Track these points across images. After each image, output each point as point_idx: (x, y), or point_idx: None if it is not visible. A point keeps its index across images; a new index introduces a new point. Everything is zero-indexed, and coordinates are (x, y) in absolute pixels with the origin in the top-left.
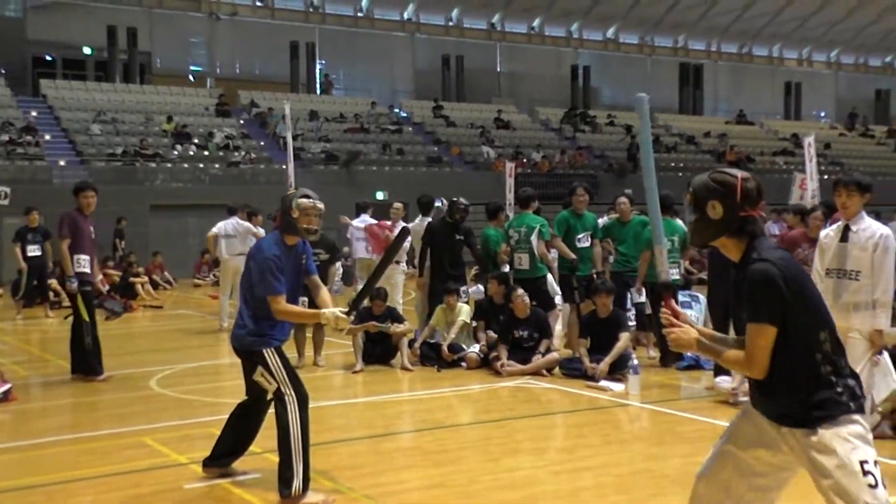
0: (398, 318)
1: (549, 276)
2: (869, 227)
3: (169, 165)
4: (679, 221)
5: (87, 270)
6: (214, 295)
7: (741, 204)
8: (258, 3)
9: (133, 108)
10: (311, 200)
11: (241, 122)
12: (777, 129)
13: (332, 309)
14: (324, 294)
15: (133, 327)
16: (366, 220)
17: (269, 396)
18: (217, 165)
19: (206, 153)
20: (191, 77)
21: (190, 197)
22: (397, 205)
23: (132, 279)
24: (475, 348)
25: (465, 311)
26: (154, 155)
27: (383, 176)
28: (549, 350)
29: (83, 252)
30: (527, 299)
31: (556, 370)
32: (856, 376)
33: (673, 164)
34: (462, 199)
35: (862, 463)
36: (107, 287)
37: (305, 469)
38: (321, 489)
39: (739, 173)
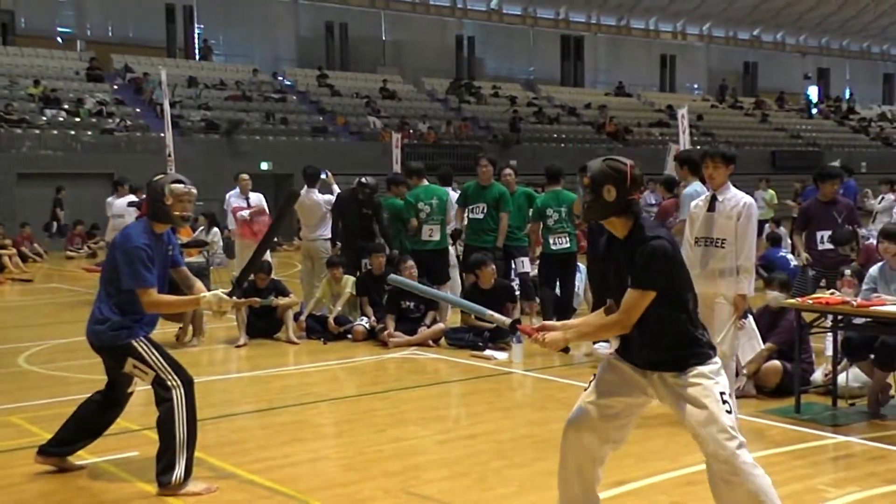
0: (283, 291)
1: (451, 249)
2: (734, 196)
3: (37, 132)
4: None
5: None
6: (89, 268)
7: (630, 188)
8: None
9: None
10: (184, 186)
11: (115, 87)
12: (653, 101)
13: (213, 291)
14: (197, 284)
15: (0, 302)
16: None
17: (137, 387)
18: (90, 132)
19: (77, 119)
20: (59, 39)
21: (61, 165)
22: (244, 175)
23: None
24: (362, 321)
25: (350, 283)
26: (20, 120)
27: (267, 146)
28: (435, 321)
29: None
30: (415, 271)
31: (443, 340)
32: (704, 328)
33: (556, 136)
34: (368, 179)
35: (721, 394)
36: None
37: (189, 457)
38: (203, 465)
39: (628, 161)
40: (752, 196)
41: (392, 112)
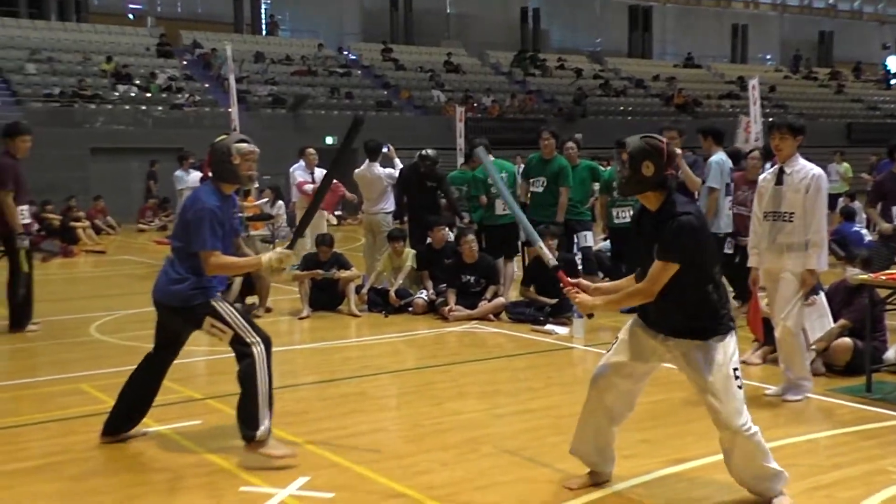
0: (345, 265)
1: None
2: (802, 168)
3: (109, 107)
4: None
5: (29, 221)
6: (159, 240)
7: (666, 164)
8: None
9: (70, 47)
10: (249, 145)
11: (184, 63)
12: (724, 73)
13: (273, 250)
14: (250, 253)
15: (74, 273)
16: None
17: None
18: (160, 108)
19: (147, 95)
20: (130, 16)
21: (131, 140)
22: (311, 150)
23: (73, 223)
24: (423, 294)
25: (411, 257)
26: (93, 96)
27: (331, 120)
28: (496, 295)
29: (23, 202)
30: (475, 245)
31: (503, 315)
32: (728, 301)
33: (622, 108)
34: (429, 151)
35: (735, 370)
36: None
37: (271, 415)
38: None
39: (664, 138)
40: (826, 169)
41: (456, 86)
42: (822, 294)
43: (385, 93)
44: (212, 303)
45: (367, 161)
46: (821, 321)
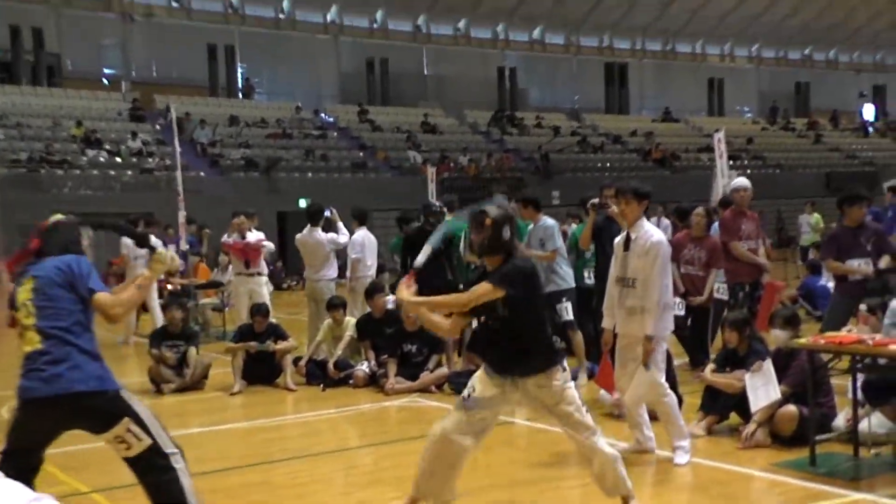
0: (282, 335)
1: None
2: (645, 233)
3: (77, 172)
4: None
5: None
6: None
7: (514, 230)
8: (174, 4)
9: (40, 112)
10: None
11: (158, 127)
12: (701, 126)
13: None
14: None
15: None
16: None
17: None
18: (129, 172)
19: (118, 160)
20: (104, 80)
21: (100, 205)
22: (236, 220)
23: None
24: (363, 366)
25: (351, 326)
26: (61, 161)
27: (306, 182)
28: (439, 365)
29: None
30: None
31: (446, 386)
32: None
33: (599, 165)
34: (434, 202)
35: (571, 387)
36: None
37: None
38: None
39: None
40: (797, 221)
41: (433, 146)
42: (768, 360)
43: (361, 154)
44: (122, 395)
45: (308, 226)
46: (765, 389)
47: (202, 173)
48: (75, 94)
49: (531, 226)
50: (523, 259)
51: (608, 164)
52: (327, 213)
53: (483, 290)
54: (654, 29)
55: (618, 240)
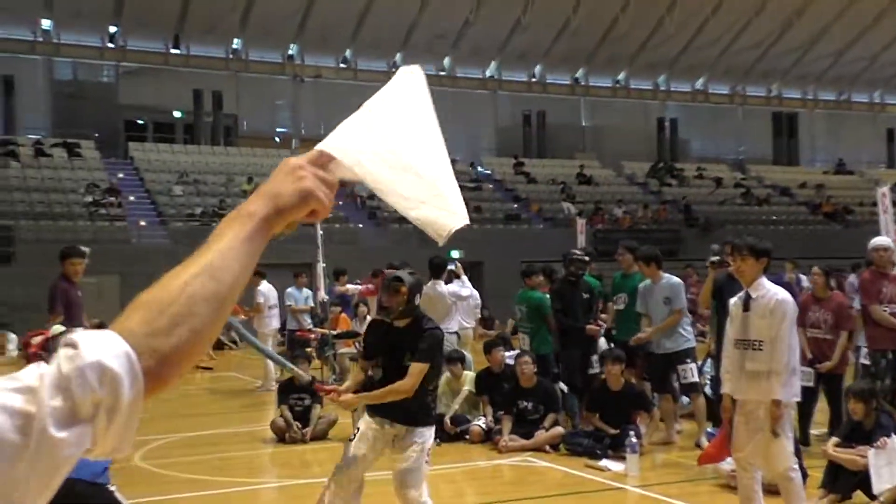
0: None
1: None
2: (767, 292)
3: None
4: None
5: None
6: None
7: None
8: (341, 66)
9: (216, 169)
10: None
11: None
12: (878, 179)
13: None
14: None
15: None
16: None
17: None
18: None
19: None
20: (276, 139)
21: (264, 256)
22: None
23: None
24: (480, 421)
25: (470, 380)
26: None
27: (458, 233)
28: (555, 423)
29: (77, 325)
30: (530, 368)
31: (561, 446)
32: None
33: (764, 218)
34: (576, 251)
35: (427, 452)
36: None
37: None
38: None
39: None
40: None
41: (588, 197)
42: (893, 437)
43: (515, 206)
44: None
45: (430, 279)
46: (891, 468)
47: (360, 224)
48: (249, 151)
49: (646, 282)
50: (429, 321)
51: (773, 217)
52: (451, 267)
53: (419, 370)
54: (827, 77)
55: (734, 300)
